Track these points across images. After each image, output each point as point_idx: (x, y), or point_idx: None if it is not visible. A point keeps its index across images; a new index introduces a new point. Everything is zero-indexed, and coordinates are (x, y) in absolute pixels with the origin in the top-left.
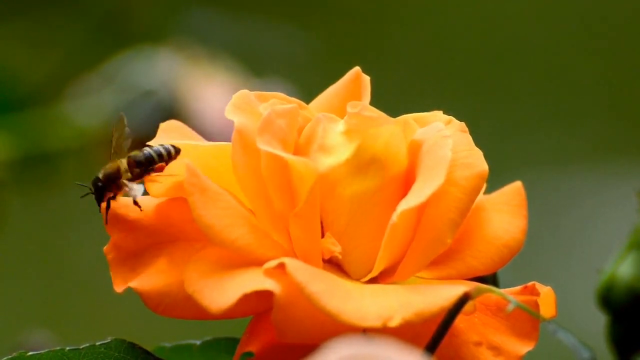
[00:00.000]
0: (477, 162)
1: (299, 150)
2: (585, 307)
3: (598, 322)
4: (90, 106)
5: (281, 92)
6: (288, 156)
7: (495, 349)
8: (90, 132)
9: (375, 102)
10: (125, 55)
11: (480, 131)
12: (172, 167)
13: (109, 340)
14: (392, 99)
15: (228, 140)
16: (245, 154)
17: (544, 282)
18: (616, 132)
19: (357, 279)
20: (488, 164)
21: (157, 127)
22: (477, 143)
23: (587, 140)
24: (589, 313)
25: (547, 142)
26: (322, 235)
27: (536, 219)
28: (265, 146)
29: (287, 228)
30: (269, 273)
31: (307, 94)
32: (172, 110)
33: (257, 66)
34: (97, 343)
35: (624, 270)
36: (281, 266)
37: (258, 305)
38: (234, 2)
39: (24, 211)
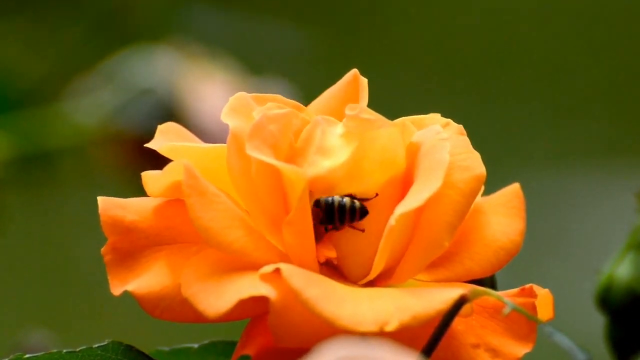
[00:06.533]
0: (475, 164)
1: (296, 153)
2: (584, 308)
3: (597, 323)
4: (89, 105)
5: (280, 90)
6: (277, 163)
7: (493, 351)
8: (89, 130)
9: (375, 101)
10: (124, 54)
11: (480, 131)
12: (171, 168)
13: (106, 343)
14: (391, 99)
15: (226, 140)
16: (240, 158)
17: (542, 283)
18: (616, 132)
19: (355, 282)
20: (487, 164)
21: (156, 125)
22: (476, 143)
23: (587, 140)
24: (588, 314)
25: (547, 142)
26: (319, 237)
27: (535, 219)
28: (254, 152)
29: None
30: (265, 278)
31: (307, 93)
32: (171, 109)
33: (257, 64)
34: (94, 345)
35: (622, 271)
36: (277, 271)
37: (255, 308)
38: (233, 1)
39: (22, 210)
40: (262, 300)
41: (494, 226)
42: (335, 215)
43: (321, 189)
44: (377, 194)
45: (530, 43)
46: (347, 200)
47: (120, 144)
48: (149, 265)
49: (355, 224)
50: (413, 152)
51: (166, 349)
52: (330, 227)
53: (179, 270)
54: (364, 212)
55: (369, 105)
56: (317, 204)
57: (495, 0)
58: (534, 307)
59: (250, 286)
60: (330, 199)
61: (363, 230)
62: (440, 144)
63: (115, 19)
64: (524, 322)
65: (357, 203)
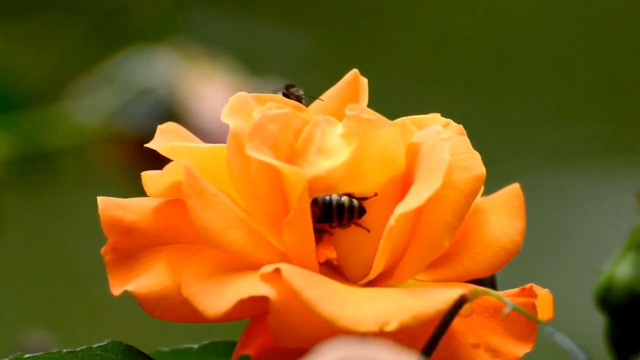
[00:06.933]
0: (475, 164)
1: (296, 154)
2: (584, 308)
3: (597, 323)
4: (89, 105)
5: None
6: (277, 163)
7: (493, 351)
8: (90, 131)
9: (375, 101)
10: (124, 55)
11: (480, 131)
12: (171, 168)
13: (105, 343)
14: (391, 99)
15: (226, 140)
16: (240, 158)
17: (542, 283)
18: (616, 132)
19: (355, 282)
20: (486, 164)
21: (156, 126)
22: (476, 144)
23: (587, 140)
24: (588, 314)
25: (547, 142)
26: (318, 238)
27: (535, 219)
28: (254, 152)
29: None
30: (265, 278)
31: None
32: (171, 110)
33: (257, 65)
34: (94, 346)
35: (622, 271)
36: (277, 271)
37: (255, 308)
38: (233, 2)
39: (23, 210)
40: (262, 300)
41: (494, 226)
42: (333, 214)
43: (321, 189)
44: (376, 193)
45: (530, 43)
46: (345, 199)
47: (121, 145)
48: (149, 265)
49: (360, 222)
50: (413, 152)
51: (166, 349)
52: (334, 225)
53: (179, 271)
54: (362, 210)
55: (369, 106)
56: (315, 202)
57: (495, 0)
58: (534, 307)
59: (250, 286)
60: (328, 197)
61: (369, 230)
62: (441, 144)
63: (116, 20)
64: (524, 322)
65: (355, 202)
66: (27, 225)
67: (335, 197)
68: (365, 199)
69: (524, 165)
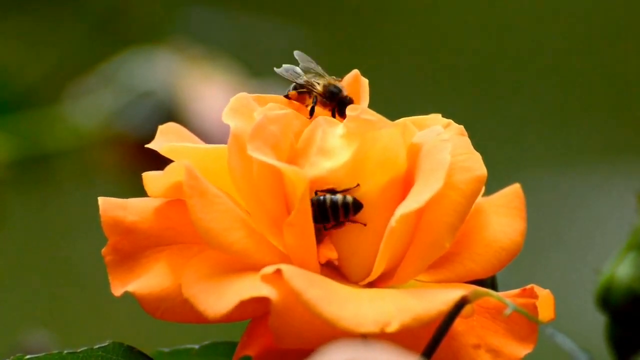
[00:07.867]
0: (476, 165)
1: (297, 154)
2: (585, 308)
3: (597, 322)
4: (88, 106)
5: (281, 92)
6: (278, 163)
7: (494, 352)
8: (89, 132)
9: (375, 101)
10: (123, 56)
11: (480, 131)
12: (172, 168)
13: (106, 344)
14: (391, 98)
15: (227, 141)
16: (242, 159)
17: (542, 283)
18: (616, 132)
19: (355, 282)
20: (487, 164)
21: (156, 127)
22: (476, 143)
23: (587, 140)
24: (589, 314)
25: (547, 142)
26: (319, 239)
27: (535, 220)
28: (256, 153)
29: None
30: (266, 279)
31: None
32: (170, 111)
33: (256, 66)
34: (95, 346)
35: (622, 271)
36: (278, 272)
37: (256, 309)
38: (233, 2)
39: (22, 211)
40: (263, 301)
41: (494, 226)
42: (328, 213)
43: (322, 188)
44: (358, 184)
45: (530, 43)
46: (339, 196)
47: (120, 146)
48: (150, 265)
49: (355, 218)
50: (414, 153)
51: (167, 350)
52: (329, 225)
53: (179, 271)
54: (357, 205)
55: (370, 106)
56: (310, 203)
57: (494, 0)
58: (535, 308)
59: (251, 287)
60: (322, 197)
61: (365, 224)
62: (441, 145)
63: (115, 21)
64: (525, 323)
65: (349, 198)
66: (27, 226)
67: (328, 196)
68: (348, 189)
69: (524, 165)
